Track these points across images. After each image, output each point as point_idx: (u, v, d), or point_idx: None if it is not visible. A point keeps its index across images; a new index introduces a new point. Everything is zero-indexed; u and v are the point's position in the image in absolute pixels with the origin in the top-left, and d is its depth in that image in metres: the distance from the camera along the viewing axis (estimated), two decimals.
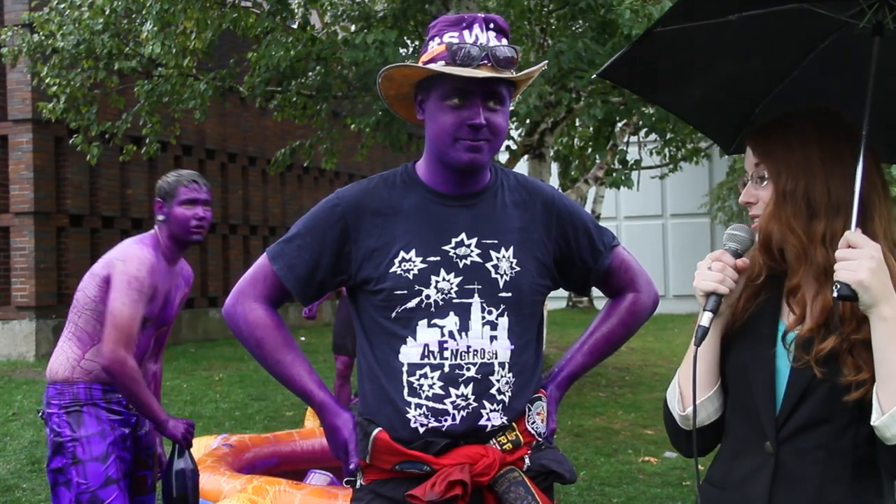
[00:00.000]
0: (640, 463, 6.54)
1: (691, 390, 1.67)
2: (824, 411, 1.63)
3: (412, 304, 2.00)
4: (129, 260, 3.19)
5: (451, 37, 1.97)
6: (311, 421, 6.50)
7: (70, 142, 9.85)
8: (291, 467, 5.41)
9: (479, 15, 2.00)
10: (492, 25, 1.98)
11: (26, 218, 11.75)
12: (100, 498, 3.17)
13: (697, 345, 1.65)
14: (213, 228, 14.93)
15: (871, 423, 1.54)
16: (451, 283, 2.01)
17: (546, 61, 2.41)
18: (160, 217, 3.32)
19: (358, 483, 2.08)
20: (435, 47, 1.99)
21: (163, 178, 3.37)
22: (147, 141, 9.43)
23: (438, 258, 2.01)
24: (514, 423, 2.05)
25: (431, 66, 1.96)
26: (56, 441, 3.21)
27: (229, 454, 5.04)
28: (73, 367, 3.24)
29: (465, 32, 1.97)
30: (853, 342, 1.60)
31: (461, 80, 1.94)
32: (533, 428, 2.08)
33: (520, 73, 2.00)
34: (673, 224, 19.34)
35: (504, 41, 1.99)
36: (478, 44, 1.95)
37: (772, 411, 1.66)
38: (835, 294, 1.53)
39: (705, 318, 1.65)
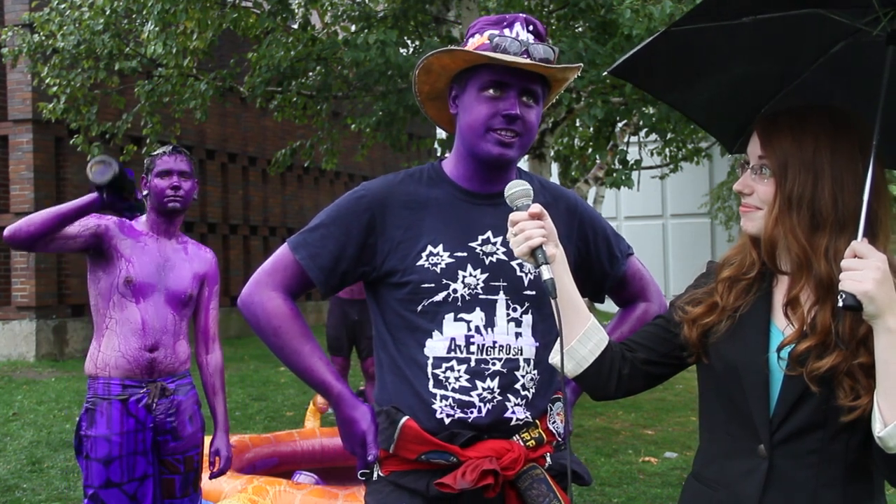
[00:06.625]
0: (640, 463, 6.54)
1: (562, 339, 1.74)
2: (818, 417, 1.63)
3: (439, 297, 2.01)
4: None
5: (491, 33, 1.99)
6: (312, 421, 6.50)
7: (70, 142, 9.84)
8: (292, 467, 5.42)
9: (520, 15, 2.03)
10: (531, 28, 2.01)
11: None
12: (100, 497, 3.20)
13: (555, 297, 1.70)
14: (214, 228, 14.95)
15: (875, 435, 1.54)
16: (478, 279, 2.02)
17: (580, 63, 2.43)
18: (144, 192, 3.36)
19: (375, 475, 2.07)
20: (473, 41, 2.01)
21: None
22: (147, 141, 9.42)
23: (465, 254, 2.03)
24: (537, 421, 2.06)
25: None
26: (76, 428, 3.32)
27: None
28: (94, 363, 3.31)
29: (506, 30, 2.00)
30: (851, 365, 1.59)
31: (500, 71, 1.96)
32: (553, 428, 2.10)
33: (559, 66, 2.01)
34: (673, 224, 19.31)
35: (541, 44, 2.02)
36: (518, 39, 1.97)
37: (766, 415, 1.66)
38: (840, 304, 1.53)
39: (547, 271, 1.70)
